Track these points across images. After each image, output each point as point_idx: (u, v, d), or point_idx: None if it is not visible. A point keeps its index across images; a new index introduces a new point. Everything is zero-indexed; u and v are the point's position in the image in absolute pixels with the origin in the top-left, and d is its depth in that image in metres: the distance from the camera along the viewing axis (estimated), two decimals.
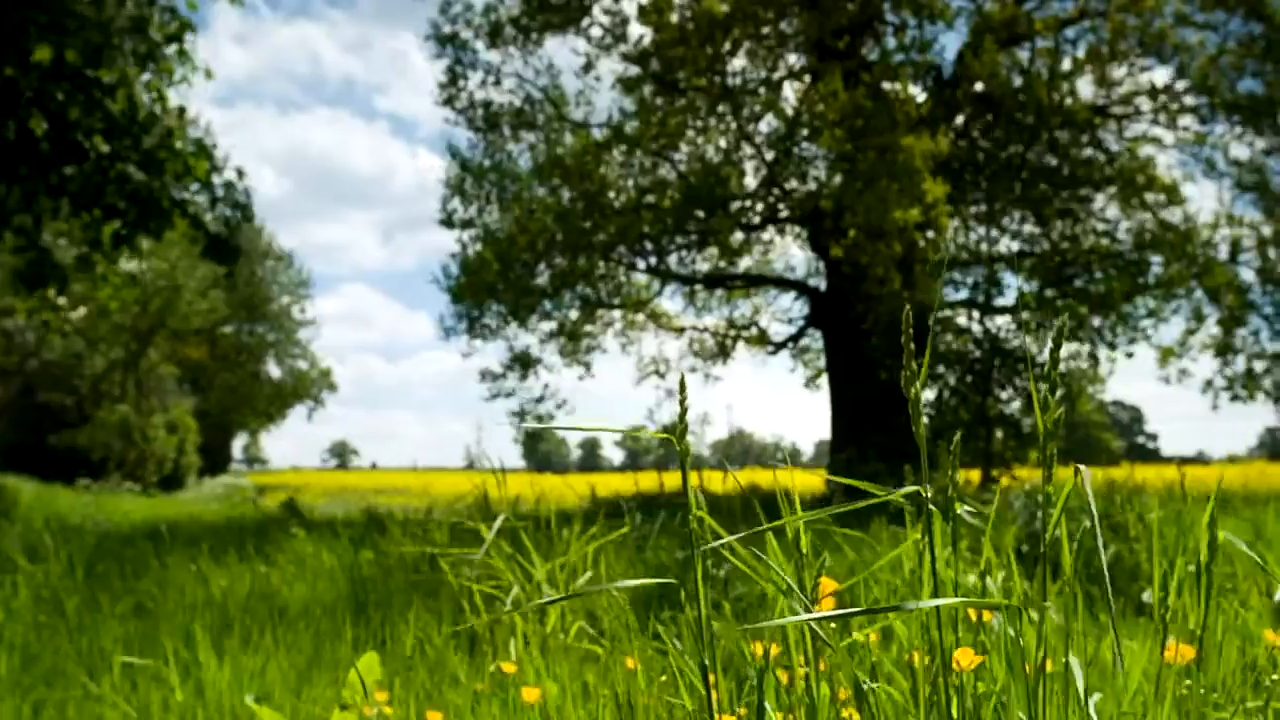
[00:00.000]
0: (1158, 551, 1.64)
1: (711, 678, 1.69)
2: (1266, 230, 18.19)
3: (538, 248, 18.97)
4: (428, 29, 20.24)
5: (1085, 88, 18.40)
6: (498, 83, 20.19)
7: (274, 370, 58.11)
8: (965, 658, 1.66)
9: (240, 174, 15.35)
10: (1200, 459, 43.43)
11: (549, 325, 20.57)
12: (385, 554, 6.21)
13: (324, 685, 3.58)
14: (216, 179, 15.02)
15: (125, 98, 13.53)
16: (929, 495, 1.54)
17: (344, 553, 6.57)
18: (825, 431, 19.61)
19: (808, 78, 18.28)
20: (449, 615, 4.32)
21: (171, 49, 14.26)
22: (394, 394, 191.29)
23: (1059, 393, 1.41)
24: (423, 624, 4.19)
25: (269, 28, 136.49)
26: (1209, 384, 18.57)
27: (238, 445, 74.92)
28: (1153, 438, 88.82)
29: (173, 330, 45.69)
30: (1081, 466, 1.35)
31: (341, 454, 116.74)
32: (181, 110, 14.77)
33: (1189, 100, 18.30)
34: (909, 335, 1.50)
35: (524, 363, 20.61)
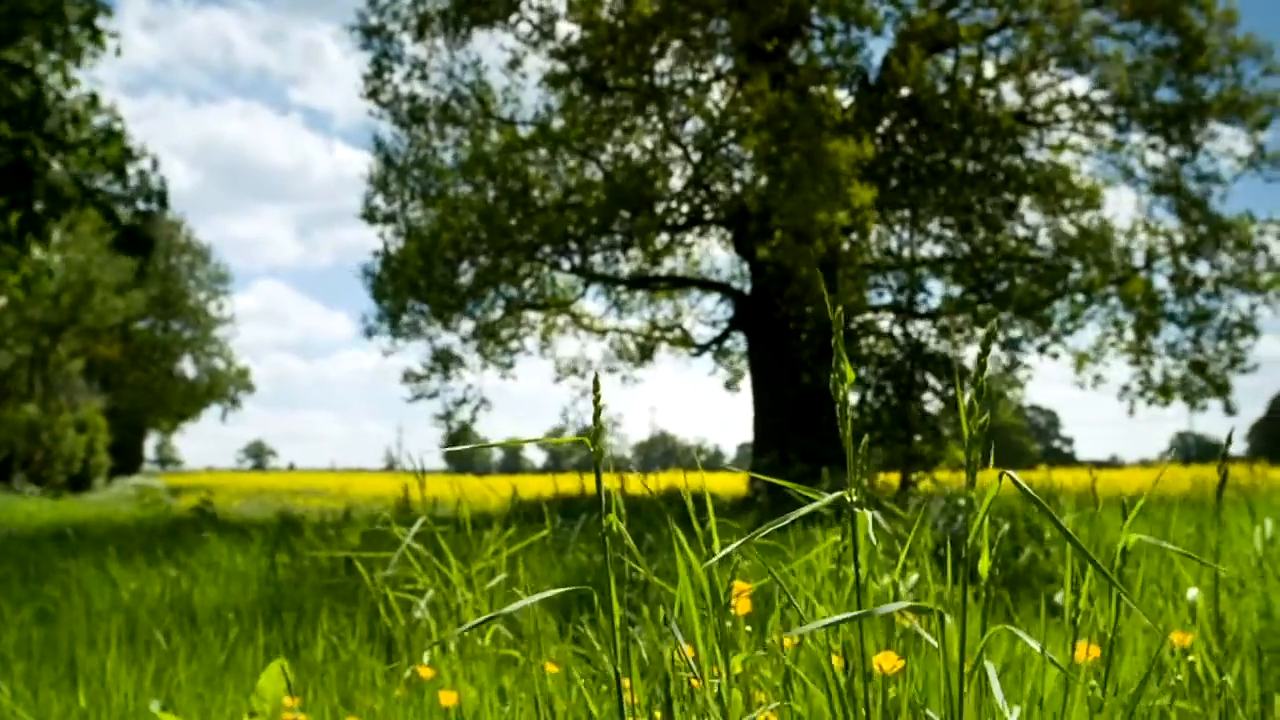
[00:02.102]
0: (1070, 555, 1.66)
1: (626, 682, 1.66)
2: (1180, 238, 18.69)
3: (461, 246, 18.80)
4: (345, 20, 19.99)
5: (1008, 95, 18.77)
6: (424, 77, 19.96)
7: (189, 369, 56.95)
8: (887, 661, 1.65)
9: (155, 163, 14.97)
10: (1114, 463, 44.54)
11: (471, 325, 20.40)
12: (300, 557, 6.10)
13: (233, 692, 3.49)
14: (130, 168, 14.63)
15: (31, 80, 13.09)
16: (855, 498, 1.53)
17: (257, 556, 6.44)
18: (748, 434, 19.72)
19: (735, 80, 18.37)
20: (364, 620, 4.24)
21: (83, 31, 13.82)
22: (311, 394, 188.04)
23: (984, 398, 1.41)
24: (338, 629, 4.11)
25: (179, 15, 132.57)
26: (1125, 389, 19.03)
27: (150, 445, 73.31)
28: (1069, 441, 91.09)
29: (84, 326, 44.49)
30: (1010, 472, 1.35)
31: (258, 454, 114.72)
32: (93, 98, 14.33)
33: (1106, 109, 18.75)
34: (840, 338, 1.49)
35: (446, 363, 20.41)
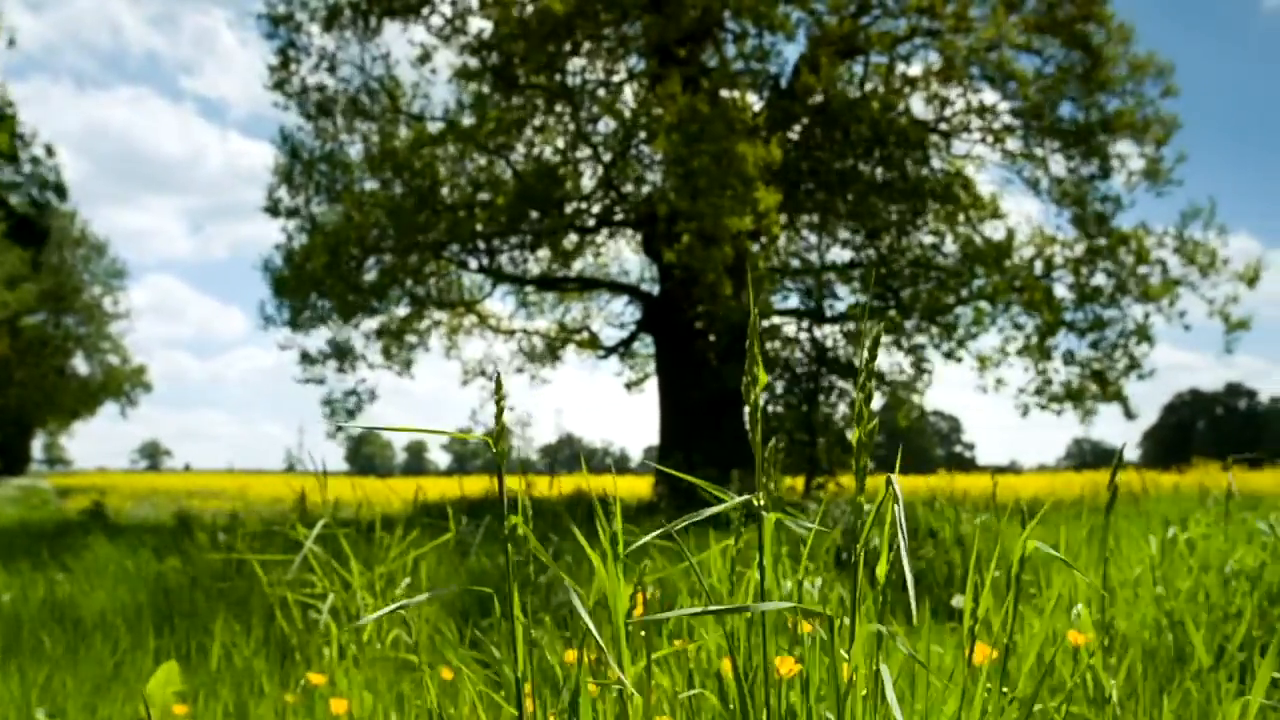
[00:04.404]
0: (973, 564, 1.67)
1: (527, 687, 1.64)
2: (1080, 248, 19.20)
3: (367, 242, 18.51)
4: (240, 6, 19.48)
5: (917, 104, 19.11)
6: (332, 69, 19.60)
7: (81, 366, 55.14)
8: (784, 666, 1.65)
9: (49, 150, 14.46)
10: (1013, 468, 45.71)
11: (374, 323, 20.10)
12: (193, 561, 5.93)
13: (122, 700, 3.39)
14: (22, 154, 14.10)
15: None
16: (762, 501, 1.53)
17: (148, 560, 6.25)
18: (654, 437, 19.75)
19: (647, 81, 18.40)
20: (260, 625, 4.14)
21: None
22: (206, 392, 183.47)
23: (874, 403, 1.41)
24: (231, 634, 4.00)
25: None
26: (1021, 391, 19.51)
27: (38, 445, 70.83)
28: (970, 447, 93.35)
29: None
30: (893, 476, 1.35)
31: (153, 454, 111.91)
32: None
33: (1013, 121, 19.20)
34: (754, 340, 1.48)
35: (342, 354, 20.08)
